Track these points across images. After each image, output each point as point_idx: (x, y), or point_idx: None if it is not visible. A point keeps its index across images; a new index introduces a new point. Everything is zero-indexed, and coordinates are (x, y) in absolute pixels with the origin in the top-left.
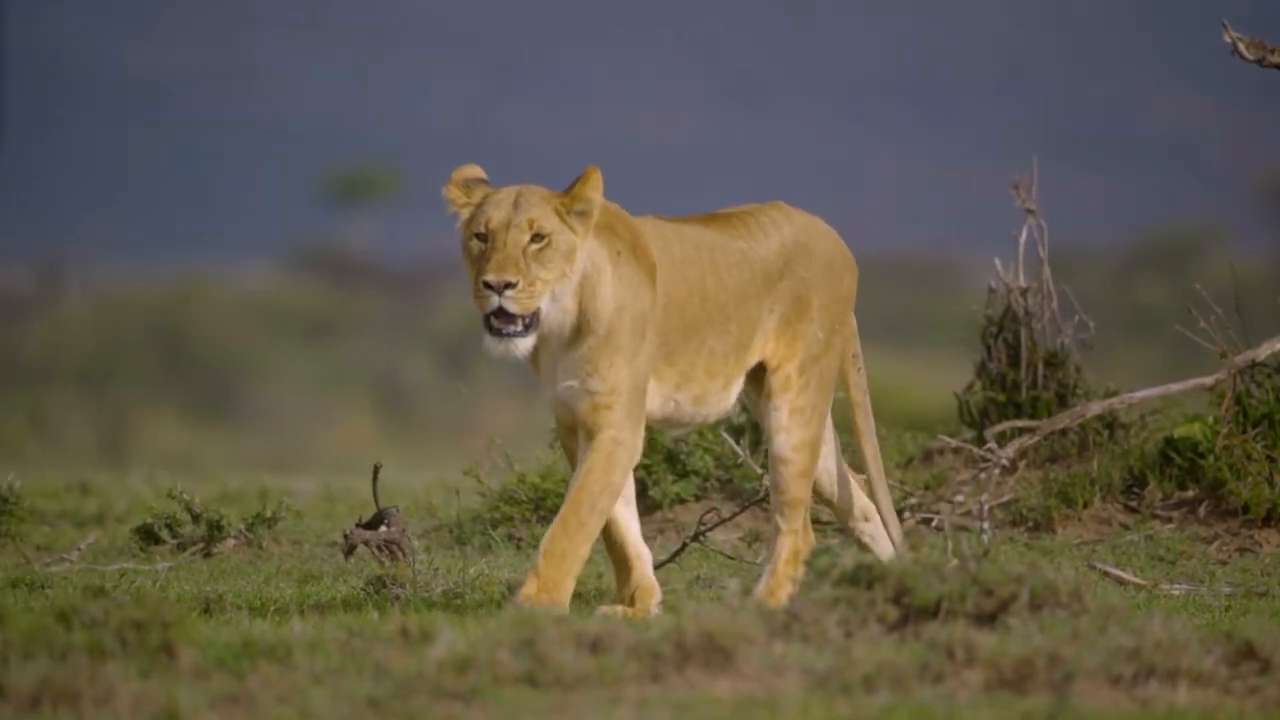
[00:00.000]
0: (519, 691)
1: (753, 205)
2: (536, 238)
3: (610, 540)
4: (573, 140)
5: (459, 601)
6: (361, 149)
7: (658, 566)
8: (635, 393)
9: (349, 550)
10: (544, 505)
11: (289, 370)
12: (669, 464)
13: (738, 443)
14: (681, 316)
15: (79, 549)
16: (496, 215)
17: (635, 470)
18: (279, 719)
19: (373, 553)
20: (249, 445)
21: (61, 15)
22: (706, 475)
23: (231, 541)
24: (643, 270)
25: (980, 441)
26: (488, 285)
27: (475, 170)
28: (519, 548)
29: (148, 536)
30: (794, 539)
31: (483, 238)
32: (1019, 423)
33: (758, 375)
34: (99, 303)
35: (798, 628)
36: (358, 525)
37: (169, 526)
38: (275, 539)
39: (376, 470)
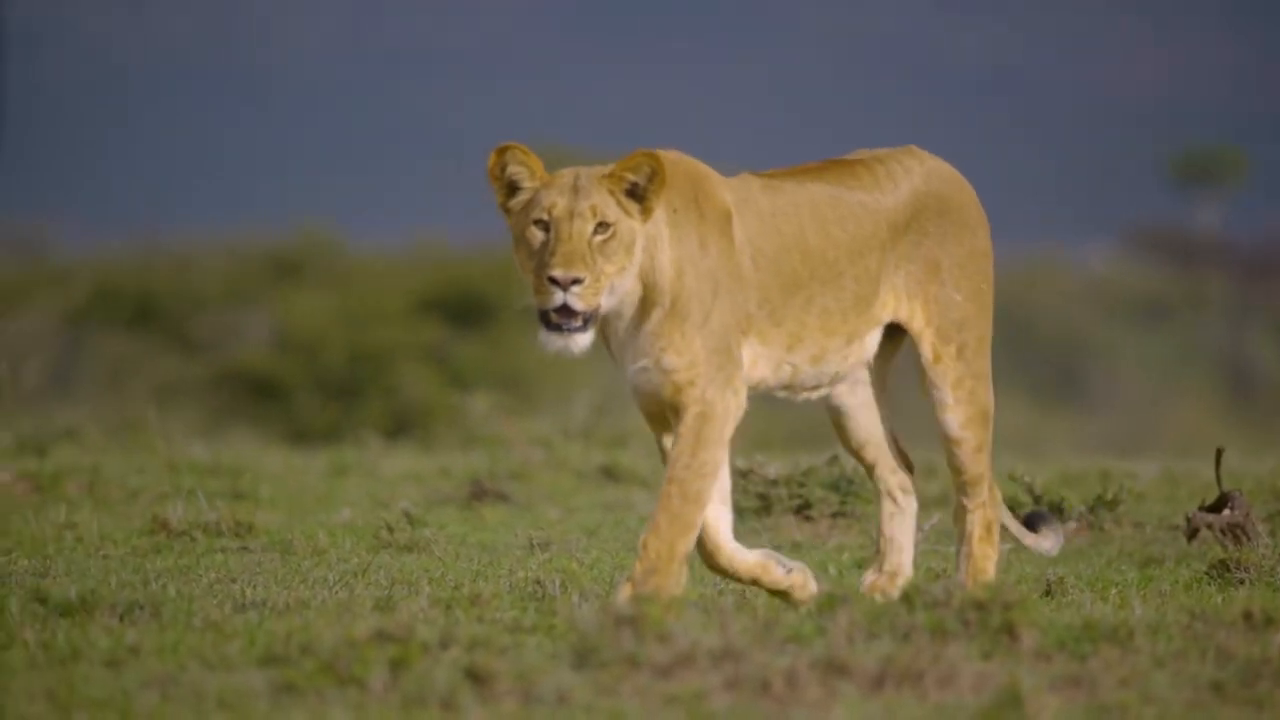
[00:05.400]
0: None
1: (884, 150)
2: (601, 227)
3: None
4: None
5: None
6: (1210, 131)
7: None
8: (718, 355)
9: (1191, 534)
10: None
11: (1130, 353)
12: None
13: None
14: (778, 272)
15: (922, 530)
16: (560, 202)
17: None
18: (1120, 702)
19: (1215, 536)
20: (1090, 427)
21: None
22: None
23: (1073, 524)
24: (706, 222)
25: None
26: (553, 281)
27: (521, 148)
28: None
29: None
30: (983, 512)
31: (543, 225)
32: None
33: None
34: None
35: None
36: (1200, 509)
37: (1011, 508)
38: (1116, 521)
39: (1219, 454)
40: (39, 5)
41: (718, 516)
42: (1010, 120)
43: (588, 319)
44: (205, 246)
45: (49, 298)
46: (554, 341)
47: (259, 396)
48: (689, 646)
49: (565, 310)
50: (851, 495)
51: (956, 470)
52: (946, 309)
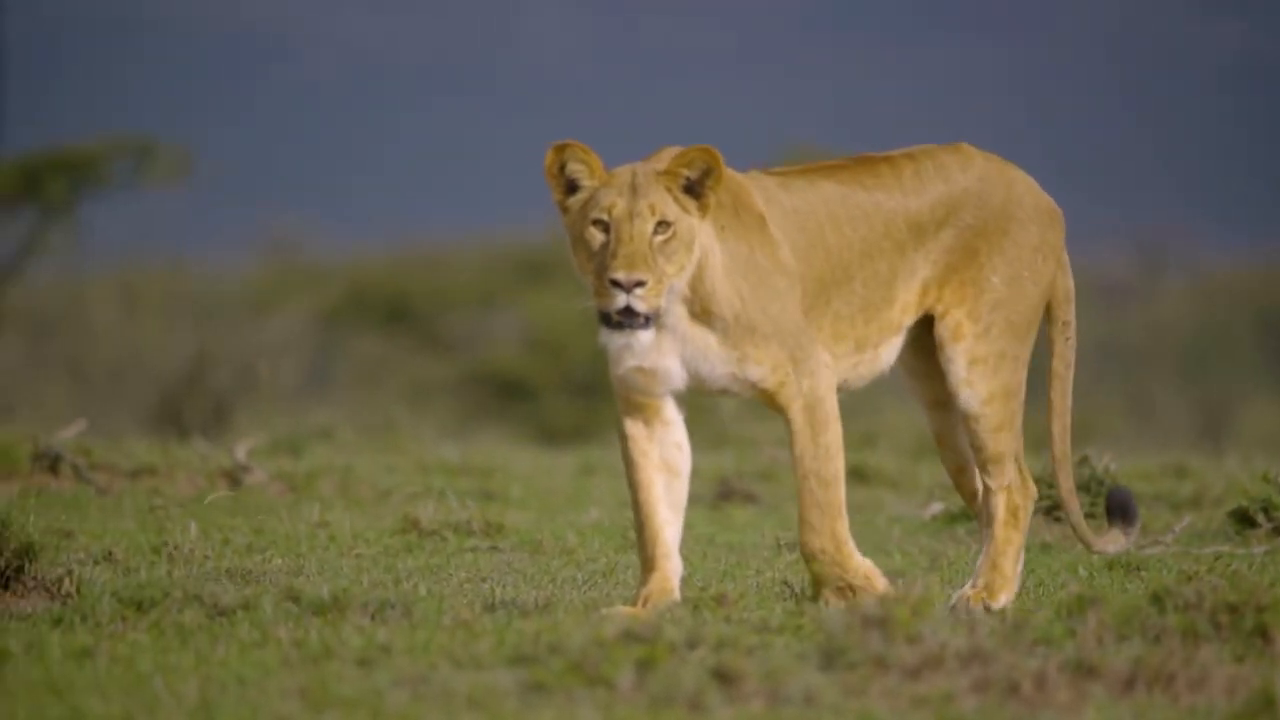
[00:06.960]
0: None
1: (924, 147)
2: (661, 226)
3: (642, 535)
4: None
5: None
6: None
7: None
8: (798, 349)
9: None
10: None
11: None
12: None
13: None
14: (809, 269)
15: (1173, 531)
16: (619, 202)
17: None
18: None
19: None
20: None
21: None
22: None
23: None
24: (750, 230)
25: None
26: (616, 283)
27: (581, 146)
28: None
29: (1243, 520)
30: (1007, 495)
31: (602, 226)
32: None
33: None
34: (1200, 287)
35: None
36: None
37: (1264, 510)
38: None
39: None
40: (295, 9)
41: (666, 521)
42: (1253, 115)
43: (649, 318)
44: (456, 247)
45: (305, 298)
46: (616, 340)
47: (508, 396)
48: (937, 648)
49: (628, 311)
50: (1102, 495)
51: (977, 449)
52: (980, 291)
